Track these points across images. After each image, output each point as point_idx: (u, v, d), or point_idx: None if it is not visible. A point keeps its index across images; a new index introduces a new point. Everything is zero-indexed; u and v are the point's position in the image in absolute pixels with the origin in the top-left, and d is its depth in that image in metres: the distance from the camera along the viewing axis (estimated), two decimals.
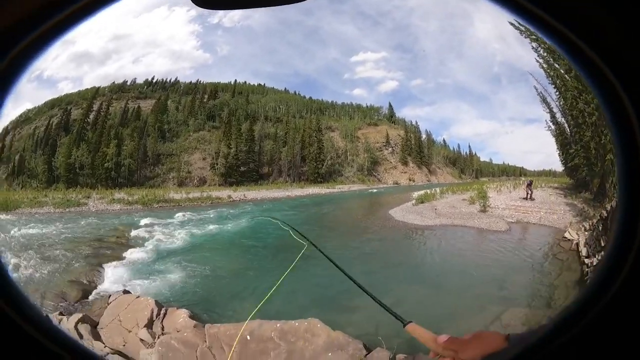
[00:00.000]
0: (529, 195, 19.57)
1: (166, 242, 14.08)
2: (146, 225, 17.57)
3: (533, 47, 22.37)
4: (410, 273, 10.20)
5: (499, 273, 9.46)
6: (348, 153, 61.07)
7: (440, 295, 8.14)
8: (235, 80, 70.36)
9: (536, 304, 7.50)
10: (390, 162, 64.09)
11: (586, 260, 9.40)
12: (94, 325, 6.41)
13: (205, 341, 5.43)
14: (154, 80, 62.34)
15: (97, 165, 43.23)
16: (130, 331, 6.13)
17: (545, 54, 21.58)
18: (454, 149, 79.05)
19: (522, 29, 22.19)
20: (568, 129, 22.75)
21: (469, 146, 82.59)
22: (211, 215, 21.84)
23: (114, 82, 56.86)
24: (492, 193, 22.30)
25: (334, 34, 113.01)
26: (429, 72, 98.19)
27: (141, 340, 5.88)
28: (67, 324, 6.16)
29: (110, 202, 27.91)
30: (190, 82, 64.59)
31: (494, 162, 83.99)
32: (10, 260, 10.58)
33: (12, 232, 15.20)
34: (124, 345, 5.95)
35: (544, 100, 25.56)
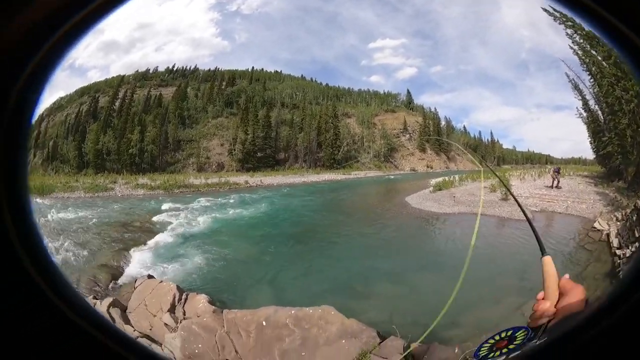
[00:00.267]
0: (555, 183, 18.88)
1: (187, 227, 14.40)
2: (168, 210, 18.02)
3: (568, 34, 21.67)
4: (426, 261, 10.12)
5: (520, 263, 9.17)
6: (364, 139, 60.48)
7: (452, 286, 8.02)
8: (253, 68, 70.36)
9: None
10: (408, 149, 63.13)
11: (617, 252, 8.98)
12: (123, 310, 6.66)
13: (224, 326, 5.57)
14: (175, 68, 63.26)
15: (122, 151, 44.60)
16: (155, 315, 6.34)
17: (581, 41, 20.82)
18: (474, 135, 76.96)
19: (558, 15, 21.34)
20: (602, 117, 22.02)
21: (491, 133, 79.79)
22: (230, 201, 22.19)
23: (137, 71, 58.10)
24: (515, 181, 21.68)
25: (352, 20, 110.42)
26: (449, 59, 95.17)
27: (165, 324, 6.09)
28: (100, 308, 6.43)
29: (135, 188, 28.83)
30: (209, 70, 65.11)
31: (517, 149, 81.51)
32: (48, 245, 10.85)
33: (49, 216, 15.77)
34: (151, 329, 6.18)
35: (576, 88, 24.84)
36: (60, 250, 10.50)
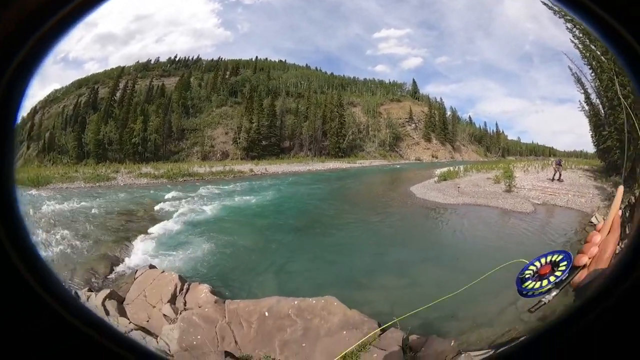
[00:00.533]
0: (557, 176, 18.76)
1: (191, 216, 14.36)
2: (171, 199, 17.94)
3: (568, 28, 21.20)
4: (429, 252, 10.12)
5: (520, 257, 9.17)
6: (370, 128, 60.12)
7: (458, 278, 8.04)
8: (257, 57, 69.55)
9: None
10: (413, 138, 62.70)
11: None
12: (120, 301, 6.57)
13: (225, 317, 5.59)
14: (177, 59, 62.80)
15: (125, 141, 44.72)
16: (154, 307, 6.30)
17: (581, 35, 20.43)
18: (480, 126, 76.04)
19: (556, 9, 20.87)
20: (602, 111, 21.78)
21: (496, 124, 78.76)
22: (236, 189, 22.21)
23: (138, 62, 57.66)
24: (519, 173, 21.52)
25: (355, 10, 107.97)
26: (455, 50, 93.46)
27: (164, 315, 6.06)
28: (95, 301, 6.36)
29: (138, 177, 28.65)
30: (212, 60, 64.56)
31: (522, 140, 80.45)
32: (43, 237, 10.65)
33: (43, 208, 15.34)
34: (148, 321, 6.13)
35: (579, 81, 24.48)
36: (58, 242, 10.34)
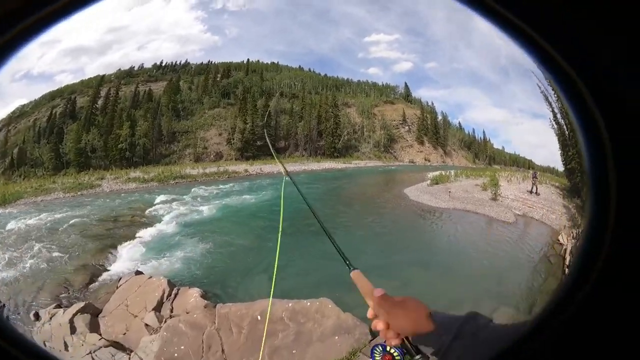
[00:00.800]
0: (534, 188, 19.09)
1: (181, 219, 14.03)
2: (161, 203, 17.47)
3: None
4: (418, 256, 10.24)
5: (500, 267, 9.35)
6: (365, 129, 60.37)
7: (442, 283, 8.11)
8: (248, 60, 68.66)
9: (522, 307, 7.19)
10: (407, 140, 63.04)
11: (567, 270, 8.98)
12: (95, 314, 6.14)
13: (215, 322, 5.37)
14: (163, 64, 61.06)
15: (111, 147, 43.20)
16: (136, 316, 5.94)
17: None
18: (469, 132, 76.84)
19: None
20: (567, 131, 21.93)
21: (484, 132, 79.63)
22: (230, 190, 21.89)
23: (120, 69, 55.17)
24: (503, 182, 21.90)
25: (345, 15, 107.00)
26: (442, 57, 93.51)
27: (146, 325, 5.71)
28: (61, 319, 5.90)
29: (126, 182, 27.68)
30: (202, 63, 62.94)
31: (506, 150, 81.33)
32: (5, 257, 10.11)
33: (7, 226, 14.23)
34: (125, 334, 5.72)
35: (547, 99, 24.59)
36: (32, 257, 9.84)
